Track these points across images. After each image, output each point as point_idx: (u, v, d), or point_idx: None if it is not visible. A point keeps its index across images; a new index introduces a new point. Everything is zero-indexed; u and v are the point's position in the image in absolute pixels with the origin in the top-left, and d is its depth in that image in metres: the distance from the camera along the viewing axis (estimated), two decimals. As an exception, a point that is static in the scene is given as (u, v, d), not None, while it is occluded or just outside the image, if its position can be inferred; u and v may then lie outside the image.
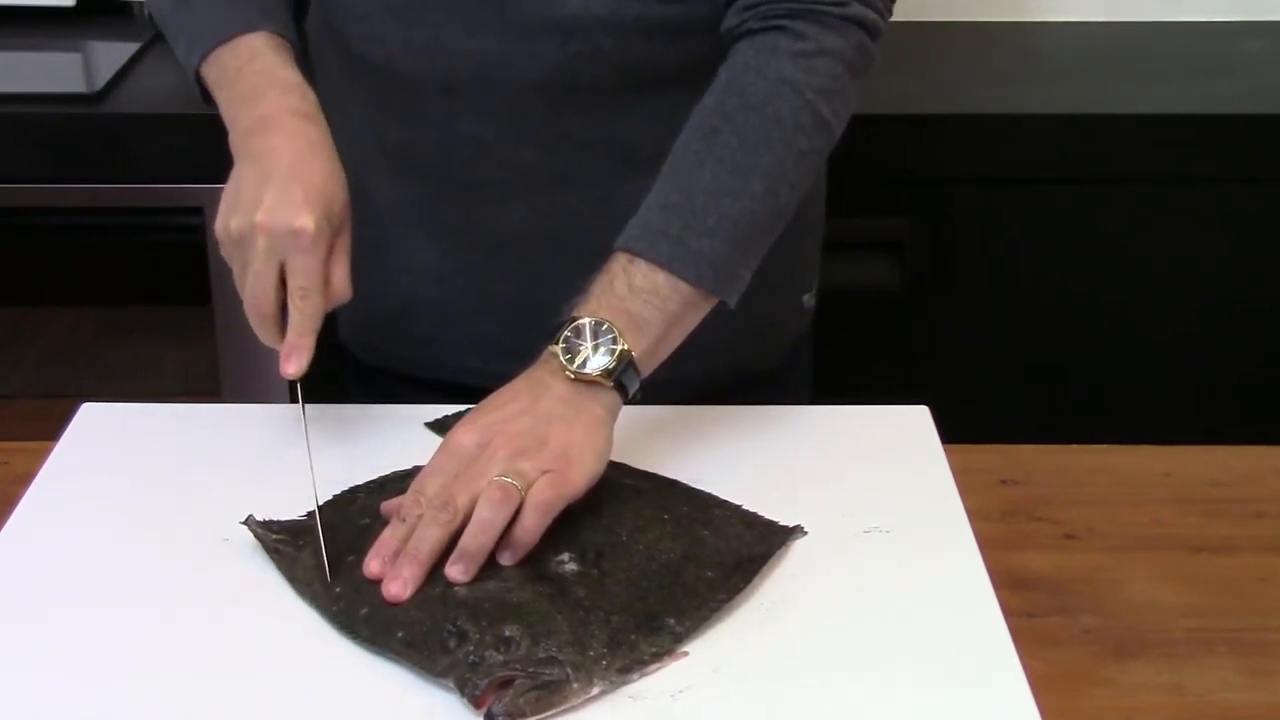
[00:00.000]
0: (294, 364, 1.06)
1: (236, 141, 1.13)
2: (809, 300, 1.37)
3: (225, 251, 1.10)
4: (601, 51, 1.16)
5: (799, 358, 1.38)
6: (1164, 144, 1.79)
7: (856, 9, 1.11)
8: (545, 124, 1.20)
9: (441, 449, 1.02)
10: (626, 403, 1.05)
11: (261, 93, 1.14)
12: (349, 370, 1.40)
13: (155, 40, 1.92)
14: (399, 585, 0.95)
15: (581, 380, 1.02)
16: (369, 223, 1.22)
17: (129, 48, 1.86)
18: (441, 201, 1.26)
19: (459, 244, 1.26)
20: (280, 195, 1.07)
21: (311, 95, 1.15)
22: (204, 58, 1.17)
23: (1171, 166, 1.80)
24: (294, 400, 1.09)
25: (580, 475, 0.99)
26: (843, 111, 1.12)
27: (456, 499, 0.97)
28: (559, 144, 1.20)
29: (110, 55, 1.86)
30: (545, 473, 0.98)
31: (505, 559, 0.97)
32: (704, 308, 1.09)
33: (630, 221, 1.07)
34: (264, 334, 1.09)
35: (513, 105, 1.19)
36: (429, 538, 0.96)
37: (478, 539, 0.95)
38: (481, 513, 0.95)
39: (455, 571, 0.95)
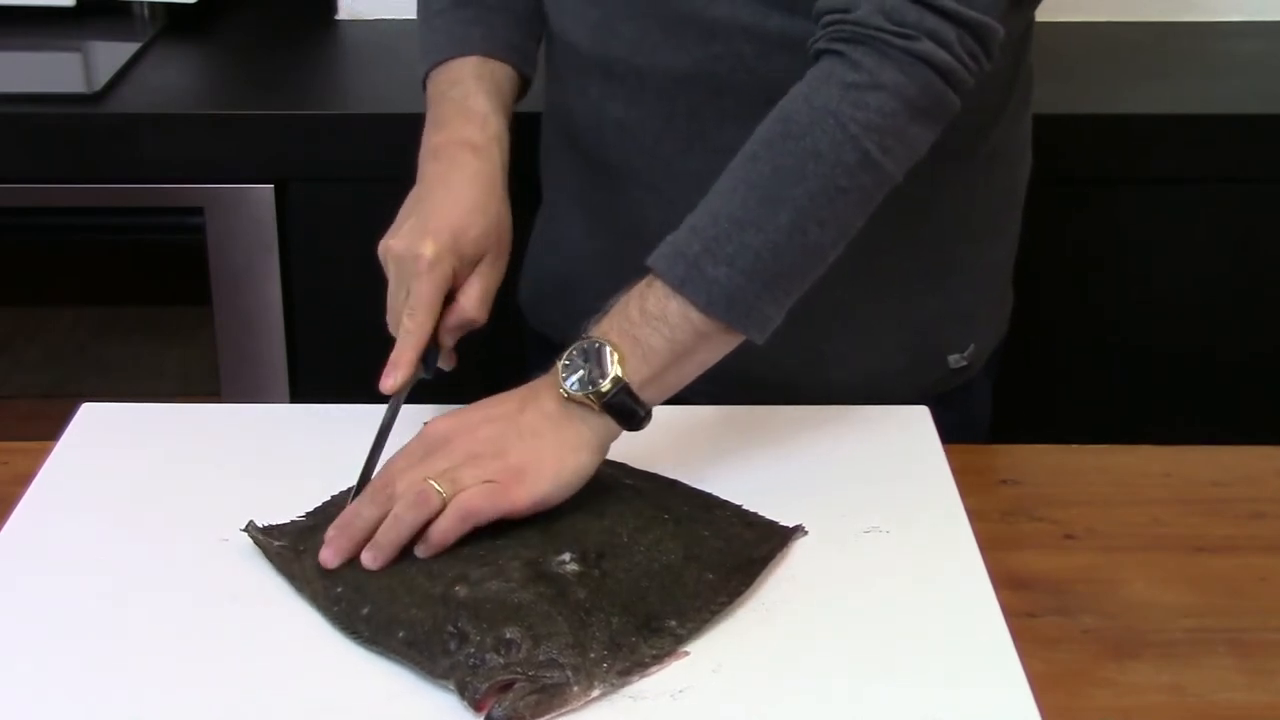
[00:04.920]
0: (388, 380, 1.10)
1: (419, 164, 1.20)
2: (957, 360, 1.31)
3: None
4: (742, 59, 1.17)
5: (948, 409, 1.25)
6: (1164, 144, 1.79)
7: (926, 46, 1.03)
8: (687, 122, 1.21)
9: (419, 433, 1.04)
10: (630, 429, 1.03)
11: (446, 121, 1.21)
12: (525, 333, 1.44)
13: (155, 40, 1.92)
14: (330, 552, 0.99)
15: (573, 400, 1.02)
16: (549, 185, 1.35)
17: (129, 48, 1.86)
18: (591, 180, 1.30)
19: (603, 225, 1.30)
20: (415, 222, 1.14)
21: (494, 124, 1.21)
22: (426, 75, 1.26)
23: (1172, 166, 1.80)
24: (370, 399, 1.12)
25: (524, 494, 0.99)
26: (899, 151, 1.05)
27: (396, 485, 1.00)
28: (697, 145, 1.21)
29: (110, 55, 1.85)
30: (487, 483, 0.98)
31: (420, 552, 0.99)
32: (722, 340, 1.05)
33: (666, 236, 1.06)
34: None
35: (658, 97, 1.21)
36: (365, 517, 1.00)
37: (388, 533, 0.98)
38: (396, 509, 0.99)
39: (365, 559, 0.99)
